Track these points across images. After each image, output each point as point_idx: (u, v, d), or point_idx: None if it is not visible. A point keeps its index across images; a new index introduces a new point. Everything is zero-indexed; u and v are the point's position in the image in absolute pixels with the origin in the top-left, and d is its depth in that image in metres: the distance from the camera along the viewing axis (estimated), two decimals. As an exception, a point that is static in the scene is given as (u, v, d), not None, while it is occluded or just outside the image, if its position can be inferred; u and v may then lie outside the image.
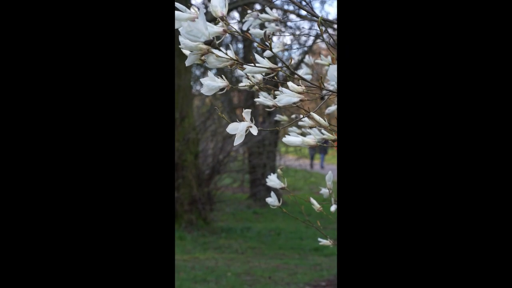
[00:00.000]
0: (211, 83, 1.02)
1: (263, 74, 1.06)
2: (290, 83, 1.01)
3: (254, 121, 1.01)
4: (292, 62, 1.02)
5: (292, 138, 1.16)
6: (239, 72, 1.16)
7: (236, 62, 0.96)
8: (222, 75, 1.05)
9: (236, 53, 0.98)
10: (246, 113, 0.99)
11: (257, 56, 1.02)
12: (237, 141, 0.99)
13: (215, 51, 0.94)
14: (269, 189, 1.59)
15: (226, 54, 0.95)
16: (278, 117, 2.02)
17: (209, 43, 0.93)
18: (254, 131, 0.99)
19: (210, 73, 1.02)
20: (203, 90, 1.04)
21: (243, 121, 1.00)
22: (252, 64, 0.99)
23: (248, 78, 1.14)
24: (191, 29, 0.91)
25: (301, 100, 1.01)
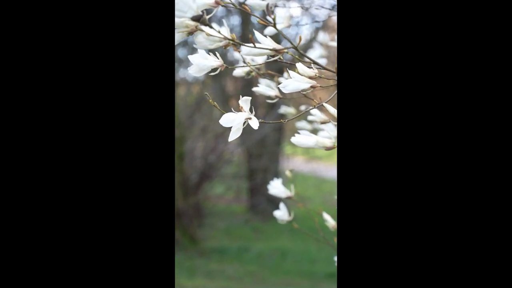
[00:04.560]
0: (201, 62, 1.00)
1: (268, 56, 1.05)
2: (299, 65, 1.00)
3: (254, 112, 1.00)
4: (301, 41, 1.02)
5: (303, 138, 1.13)
6: (235, 54, 1.16)
7: (231, 42, 0.95)
8: (216, 52, 1.05)
9: (231, 30, 0.98)
10: (245, 101, 0.98)
11: (257, 34, 1.00)
12: (233, 136, 0.98)
13: (205, 28, 0.94)
14: (271, 200, 1.59)
15: (219, 32, 0.94)
16: (283, 109, 2.03)
17: (197, 18, 0.92)
18: (255, 124, 0.98)
19: (201, 50, 1.01)
20: (192, 70, 1.03)
21: (241, 111, 0.99)
22: (252, 44, 0.98)
23: (245, 62, 1.13)
24: (176, 2, 0.91)
25: (312, 87, 1.00)
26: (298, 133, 1.17)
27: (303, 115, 1.33)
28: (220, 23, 1.02)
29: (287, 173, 1.62)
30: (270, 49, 0.98)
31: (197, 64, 1.01)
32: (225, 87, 8.62)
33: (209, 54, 1.02)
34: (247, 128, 1.02)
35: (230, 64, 1.12)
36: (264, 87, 1.38)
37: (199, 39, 0.95)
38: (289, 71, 1.04)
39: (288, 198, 1.57)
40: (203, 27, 0.93)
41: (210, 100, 1.01)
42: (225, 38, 0.96)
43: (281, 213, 1.56)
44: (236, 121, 0.97)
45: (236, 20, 8.46)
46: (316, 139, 1.13)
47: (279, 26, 1.37)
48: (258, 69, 1.38)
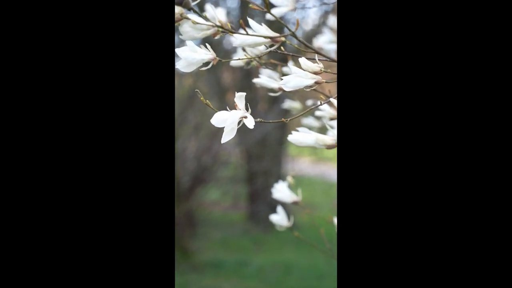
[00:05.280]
0: (190, 55, 0.99)
1: (266, 45, 1.04)
2: (302, 59, 1.00)
3: (250, 110, 1.00)
4: (309, 26, 1.01)
5: (302, 136, 1.12)
6: (232, 40, 1.15)
7: (221, 29, 0.94)
8: (207, 44, 1.04)
9: (228, 14, 0.97)
10: (240, 97, 0.98)
11: (251, 22, 0.99)
12: (226, 137, 0.98)
13: (191, 15, 0.92)
14: (273, 207, 1.55)
15: (205, 18, 0.93)
16: (287, 104, 2.03)
17: (179, 2, 0.90)
18: (250, 123, 0.98)
19: (190, 41, 1.00)
20: (180, 65, 1.02)
21: (235, 109, 0.98)
22: (245, 32, 0.97)
23: (244, 50, 1.13)
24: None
25: (317, 83, 1.00)
26: (298, 131, 1.15)
27: (310, 111, 1.31)
28: (216, 6, 1.01)
29: (289, 178, 1.59)
30: (265, 37, 0.96)
31: (185, 58, 1.00)
32: (221, 78, 8.60)
33: (200, 46, 1.00)
34: (246, 126, 1.02)
35: (227, 52, 1.12)
36: (266, 79, 1.37)
37: (185, 28, 0.93)
38: (291, 66, 1.03)
39: (295, 203, 1.55)
40: (188, 15, 0.92)
41: (202, 98, 1.01)
42: (214, 25, 0.94)
43: (279, 218, 1.53)
44: (229, 120, 0.97)
45: (234, 1, 8.45)
46: (316, 136, 1.12)
47: (282, 10, 1.37)
48: (259, 58, 1.38)
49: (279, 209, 1.52)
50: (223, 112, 0.99)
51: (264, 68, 1.45)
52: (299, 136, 1.12)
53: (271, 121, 1.13)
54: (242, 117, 0.99)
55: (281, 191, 1.53)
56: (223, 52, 6.45)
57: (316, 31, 6.43)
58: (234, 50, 1.67)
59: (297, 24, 1.01)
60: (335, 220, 1.51)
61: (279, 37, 0.97)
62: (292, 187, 1.55)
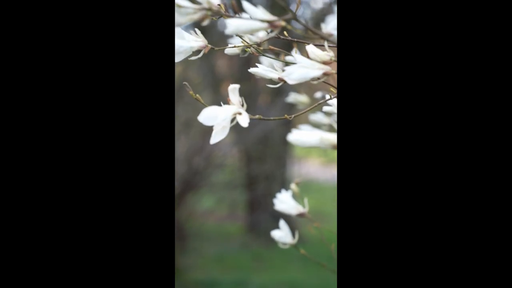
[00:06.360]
0: (177, 43, 0.99)
1: (267, 31, 1.05)
2: (309, 47, 0.99)
3: (245, 104, 1.00)
4: (319, 5, 1.01)
5: (304, 135, 1.13)
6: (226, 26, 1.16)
7: (209, 13, 0.93)
8: (197, 30, 1.04)
9: None
10: (233, 90, 0.98)
11: (245, 4, 0.97)
12: (216, 137, 0.99)
13: None
14: (277, 217, 1.54)
15: (194, 1, 0.92)
16: (292, 97, 2.03)
17: None
18: (244, 121, 0.98)
19: (177, 27, 1.00)
20: None
21: (228, 103, 0.98)
22: (240, 16, 0.96)
23: (240, 37, 1.14)
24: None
25: (325, 74, 1.00)
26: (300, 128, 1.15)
27: (318, 106, 1.31)
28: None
29: (293, 186, 1.58)
30: (263, 21, 0.94)
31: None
32: (215, 66, 8.59)
33: (189, 33, 1.00)
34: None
35: (222, 36, 1.12)
36: (264, 68, 1.37)
37: (170, 12, 0.93)
38: (295, 56, 1.03)
39: (301, 215, 1.54)
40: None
41: (191, 93, 1.01)
42: (202, 8, 0.93)
43: (282, 234, 1.52)
44: (220, 117, 0.97)
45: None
46: (320, 135, 1.11)
47: (284, -12, 1.37)
48: (258, 44, 1.38)
49: (282, 223, 1.51)
50: (213, 107, 0.98)
51: (264, 56, 1.46)
52: (301, 135, 1.11)
53: (272, 118, 1.13)
54: (236, 114, 0.99)
55: (284, 202, 1.51)
56: (218, 36, 6.44)
57: (327, 10, 6.43)
58: (230, 34, 1.68)
59: (298, 3, 1.01)
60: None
61: (277, 20, 0.95)
62: (297, 196, 1.54)
